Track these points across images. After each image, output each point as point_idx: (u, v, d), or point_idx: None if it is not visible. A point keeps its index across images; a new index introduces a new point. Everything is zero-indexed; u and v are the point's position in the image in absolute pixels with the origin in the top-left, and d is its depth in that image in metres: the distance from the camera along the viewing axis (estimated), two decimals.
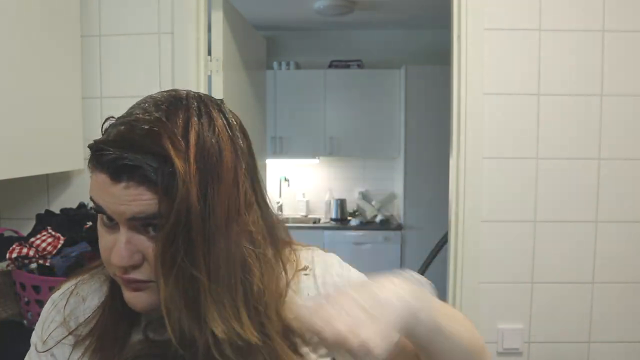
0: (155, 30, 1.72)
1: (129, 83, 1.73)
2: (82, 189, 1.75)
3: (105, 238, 0.60)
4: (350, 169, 4.68)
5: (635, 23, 1.64)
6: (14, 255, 1.39)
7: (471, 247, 1.68)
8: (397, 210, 4.48)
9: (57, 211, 1.61)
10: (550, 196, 1.67)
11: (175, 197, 0.54)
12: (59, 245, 1.41)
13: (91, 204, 0.60)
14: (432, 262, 2.98)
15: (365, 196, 4.60)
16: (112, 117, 0.62)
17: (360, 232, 4.18)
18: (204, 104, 0.60)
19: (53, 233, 1.45)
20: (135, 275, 0.59)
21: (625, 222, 1.67)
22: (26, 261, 1.40)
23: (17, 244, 1.42)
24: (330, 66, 4.41)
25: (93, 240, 1.45)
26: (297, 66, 4.48)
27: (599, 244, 1.67)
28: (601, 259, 1.67)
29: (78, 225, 1.53)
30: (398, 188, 4.41)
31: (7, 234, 1.58)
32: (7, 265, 1.42)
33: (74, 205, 1.65)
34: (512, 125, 1.67)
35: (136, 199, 0.55)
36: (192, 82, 1.71)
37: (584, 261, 1.68)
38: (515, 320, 1.70)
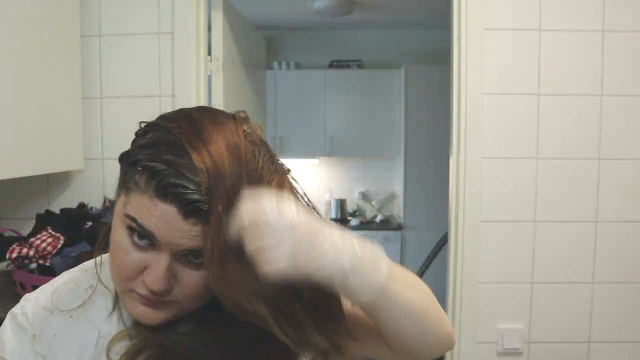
0: (155, 30, 1.72)
1: (129, 83, 1.73)
2: (82, 189, 1.75)
3: (131, 255, 0.58)
4: (350, 169, 4.68)
5: (635, 23, 1.64)
6: (14, 255, 1.39)
7: (471, 247, 1.68)
8: (397, 210, 4.48)
9: (57, 211, 1.61)
10: (550, 196, 1.67)
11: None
12: (59, 245, 1.42)
13: (129, 223, 0.57)
14: (432, 262, 2.98)
15: (365, 196, 4.60)
16: (143, 122, 0.62)
17: (360, 232, 4.18)
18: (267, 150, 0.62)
19: (53, 233, 1.45)
20: (161, 296, 0.59)
21: (625, 222, 1.67)
22: (26, 261, 1.40)
23: (17, 244, 1.42)
24: (330, 66, 4.41)
25: (93, 240, 1.45)
26: (297, 66, 4.48)
27: (599, 244, 1.67)
28: (601, 259, 1.67)
29: (78, 225, 1.53)
30: (398, 188, 4.41)
31: (7, 234, 1.58)
32: (7, 265, 1.42)
33: (74, 205, 1.65)
34: (512, 125, 1.67)
35: (199, 234, 0.55)
36: (192, 82, 1.71)
37: (584, 261, 1.68)
38: (515, 320, 1.70)
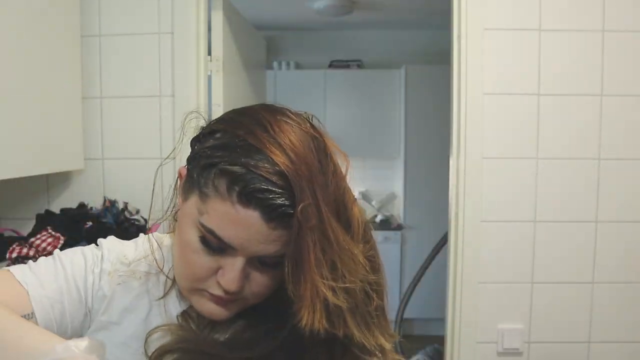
0: (155, 30, 1.72)
1: (129, 83, 1.73)
2: (82, 189, 1.75)
3: (202, 258, 0.58)
4: (350, 169, 4.67)
5: (635, 23, 1.64)
6: (14, 255, 1.39)
7: (471, 247, 1.68)
8: (397, 210, 4.47)
9: (57, 211, 1.61)
10: (550, 196, 1.67)
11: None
12: (59, 245, 1.42)
13: (204, 233, 0.57)
14: (432, 262, 2.98)
15: (365, 196, 4.60)
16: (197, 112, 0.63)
17: None
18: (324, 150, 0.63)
19: (53, 233, 1.45)
20: (235, 295, 0.60)
21: (625, 222, 1.67)
22: (26, 261, 1.39)
23: (17, 244, 1.42)
24: (330, 66, 4.41)
25: (93, 240, 1.45)
26: (297, 66, 4.48)
27: (599, 244, 1.67)
28: (601, 259, 1.67)
29: (78, 225, 1.53)
30: (398, 188, 4.41)
31: (7, 234, 1.58)
32: (7, 265, 1.42)
33: (74, 205, 1.65)
34: (512, 125, 1.67)
35: (277, 239, 0.55)
36: (192, 82, 1.71)
37: (584, 261, 1.68)
38: (515, 320, 1.70)
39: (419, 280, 3.03)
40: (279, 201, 0.53)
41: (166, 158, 0.77)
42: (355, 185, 4.66)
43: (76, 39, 1.68)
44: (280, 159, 0.54)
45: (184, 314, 0.65)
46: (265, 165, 0.53)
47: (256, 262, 0.58)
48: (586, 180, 1.66)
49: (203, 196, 0.56)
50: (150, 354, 0.61)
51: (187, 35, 1.70)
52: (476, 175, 1.67)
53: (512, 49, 1.66)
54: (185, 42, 1.70)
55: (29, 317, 0.59)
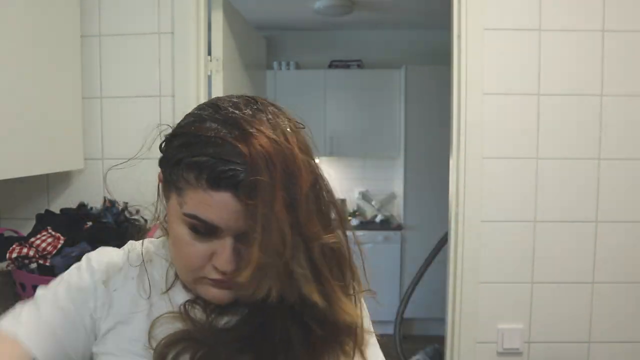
0: (155, 30, 1.72)
1: (129, 83, 1.73)
2: (82, 189, 1.75)
3: (195, 247, 0.62)
4: (350, 169, 4.68)
5: (635, 23, 1.64)
6: (14, 255, 1.39)
7: (471, 247, 1.68)
8: (397, 210, 4.47)
9: (57, 211, 1.61)
10: (550, 196, 1.67)
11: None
12: (59, 245, 1.42)
13: (189, 221, 0.60)
14: (432, 262, 2.98)
15: (365, 196, 4.60)
16: (167, 125, 0.67)
17: (360, 232, 4.18)
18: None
19: (53, 233, 1.45)
20: (230, 277, 0.62)
21: (625, 222, 1.67)
22: (26, 261, 1.40)
23: (17, 244, 1.42)
24: (330, 66, 4.41)
25: (93, 240, 1.45)
26: (297, 66, 4.48)
27: (599, 244, 1.67)
28: (601, 259, 1.67)
29: (78, 225, 1.53)
30: (398, 188, 4.41)
31: (7, 234, 1.58)
32: (7, 265, 1.42)
33: (74, 205, 1.65)
34: (512, 125, 1.67)
35: (254, 212, 0.57)
36: (192, 82, 1.71)
37: (584, 261, 1.68)
38: (515, 320, 1.70)
39: (419, 280, 3.03)
40: (244, 176, 0.57)
41: (123, 162, 0.83)
42: (355, 185, 4.67)
43: (76, 39, 1.68)
44: (238, 141, 0.58)
45: (187, 304, 0.67)
46: (226, 149, 0.57)
47: (245, 238, 0.60)
48: (586, 180, 1.66)
49: (179, 191, 0.61)
50: (155, 346, 0.63)
51: (187, 35, 1.70)
52: (476, 175, 1.67)
53: (512, 49, 1.66)
54: (185, 42, 1.70)
55: None
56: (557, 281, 1.68)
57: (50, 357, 0.64)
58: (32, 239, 1.43)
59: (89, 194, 1.72)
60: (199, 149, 0.58)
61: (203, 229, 0.60)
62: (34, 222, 1.56)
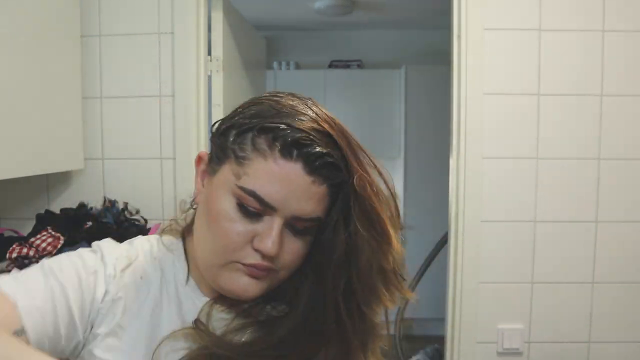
0: (155, 30, 1.72)
1: (129, 83, 1.73)
2: (82, 189, 1.75)
3: (238, 225, 0.59)
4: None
5: (635, 23, 1.64)
6: (14, 255, 1.39)
7: (471, 247, 1.68)
8: None
9: (57, 211, 1.61)
10: (550, 196, 1.67)
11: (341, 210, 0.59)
12: (59, 245, 1.42)
13: (241, 195, 0.58)
14: (432, 262, 2.98)
15: None
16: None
17: None
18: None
19: (53, 233, 1.45)
20: (271, 261, 0.60)
21: (625, 222, 1.67)
22: (26, 261, 1.40)
23: (17, 244, 1.42)
24: (330, 66, 4.40)
25: (93, 240, 1.45)
26: (297, 66, 4.48)
27: (599, 244, 1.67)
28: (601, 259, 1.67)
29: (78, 225, 1.53)
30: (398, 188, 4.37)
31: (7, 234, 1.58)
32: (7, 265, 1.42)
33: (74, 205, 1.65)
34: (512, 125, 1.67)
35: (314, 197, 0.58)
36: (192, 82, 1.71)
37: (584, 261, 1.68)
38: (515, 320, 1.70)
39: (419, 280, 3.03)
40: (318, 149, 0.56)
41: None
42: None
43: (76, 39, 1.68)
44: (317, 120, 0.59)
45: (199, 320, 0.64)
46: (304, 121, 0.57)
47: (290, 227, 0.59)
48: (586, 180, 1.66)
49: (240, 160, 0.58)
50: None
51: (187, 35, 1.70)
52: (476, 175, 1.67)
53: (512, 49, 1.66)
54: (185, 42, 1.70)
55: (20, 333, 0.56)
56: (557, 281, 1.68)
57: (40, 334, 0.57)
58: (32, 239, 1.43)
59: (89, 194, 1.72)
60: (277, 117, 0.57)
61: (255, 207, 0.57)
62: (34, 222, 1.56)
